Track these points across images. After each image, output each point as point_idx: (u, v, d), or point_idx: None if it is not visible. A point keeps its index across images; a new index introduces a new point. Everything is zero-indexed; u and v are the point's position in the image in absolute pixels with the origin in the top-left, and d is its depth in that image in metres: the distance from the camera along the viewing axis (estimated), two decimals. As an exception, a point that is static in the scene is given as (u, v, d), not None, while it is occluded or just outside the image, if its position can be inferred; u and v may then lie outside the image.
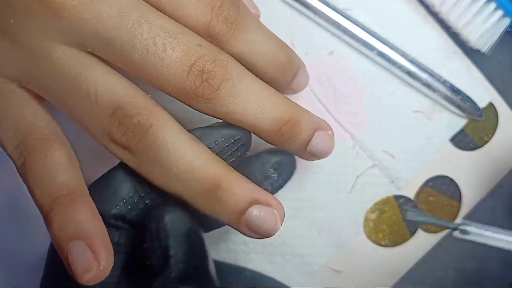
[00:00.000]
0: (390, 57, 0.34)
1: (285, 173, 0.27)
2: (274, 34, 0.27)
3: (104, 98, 0.22)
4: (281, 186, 0.27)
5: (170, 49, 0.22)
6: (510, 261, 0.36)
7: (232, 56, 0.25)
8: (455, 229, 0.23)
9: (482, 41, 0.34)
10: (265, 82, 0.25)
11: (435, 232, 0.35)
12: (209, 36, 0.24)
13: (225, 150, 0.24)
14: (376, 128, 0.35)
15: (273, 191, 0.27)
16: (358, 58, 0.35)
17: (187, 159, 0.22)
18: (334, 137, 0.26)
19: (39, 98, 0.24)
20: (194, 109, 0.24)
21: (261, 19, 0.34)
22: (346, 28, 0.33)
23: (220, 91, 0.23)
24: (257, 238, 0.23)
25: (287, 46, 0.28)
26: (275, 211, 0.23)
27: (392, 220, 0.35)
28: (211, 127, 0.24)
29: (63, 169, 0.23)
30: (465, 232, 0.23)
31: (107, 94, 0.22)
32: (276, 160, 0.26)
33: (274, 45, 0.26)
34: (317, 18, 0.34)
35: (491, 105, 0.35)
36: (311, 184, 0.35)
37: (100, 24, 0.21)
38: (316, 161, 0.31)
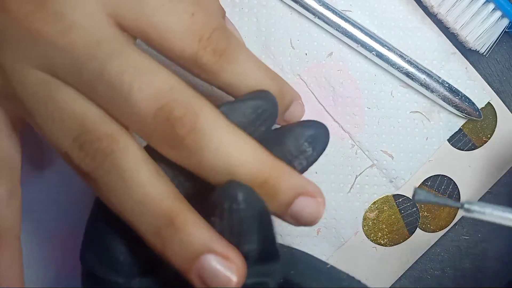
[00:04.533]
0: (388, 58, 0.34)
1: (319, 146, 0.25)
2: (266, 65, 0.26)
3: (68, 122, 0.21)
4: (315, 160, 0.25)
5: (136, 88, 0.21)
6: (507, 260, 0.36)
7: (221, 86, 0.24)
8: (461, 207, 0.23)
9: (481, 42, 0.34)
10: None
11: (434, 231, 0.36)
12: (197, 66, 0.23)
13: (254, 121, 0.24)
14: (375, 129, 0.35)
15: (308, 165, 0.25)
16: (357, 59, 0.35)
17: (142, 190, 0.21)
18: (323, 205, 0.23)
19: (15, 121, 0.25)
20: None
21: (261, 21, 0.34)
22: (345, 30, 0.34)
23: (187, 141, 0.21)
24: None
25: (279, 77, 0.27)
26: (232, 265, 0.20)
27: (391, 219, 0.36)
28: (238, 100, 0.24)
29: None
30: (469, 210, 0.23)
31: (71, 118, 0.21)
32: (310, 134, 0.25)
33: (264, 77, 0.25)
34: (316, 20, 0.34)
35: (489, 106, 0.35)
36: (310, 184, 0.35)
37: (73, 52, 0.21)
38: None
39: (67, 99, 0.22)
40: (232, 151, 0.21)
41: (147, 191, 0.21)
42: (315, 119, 0.25)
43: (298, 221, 0.23)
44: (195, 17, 0.23)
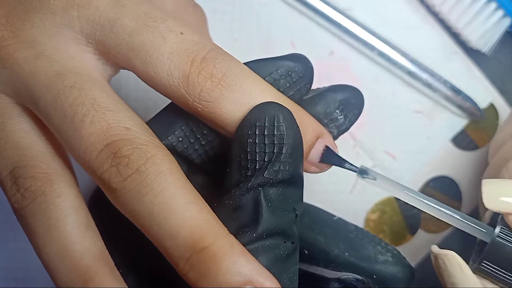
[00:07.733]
0: (390, 57, 0.34)
1: (352, 113, 0.23)
2: (278, 92, 0.21)
3: (9, 152, 0.21)
4: (347, 129, 0.23)
5: (88, 121, 0.19)
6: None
7: (220, 122, 0.21)
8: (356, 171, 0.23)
9: (483, 41, 0.34)
10: None
11: (436, 232, 0.35)
12: (189, 95, 0.20)
13: (281, 83, 0.22)
14: (377, 129, 0.35)
15: (339, 134, 0.23)
16: (359, 58, 0.35)
17: (63, 242, 0.20)
18: None
19: None
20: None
21: (261, 20, 0.34)
22: (347, 28, 0.33)
23: (128, 183, 0.19)
24: None
25: (298, 107, 0.22)
26: None
27: (393, 220, 0.35)
28: (266, 59, 0.22)
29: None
30: (363, 173, 0.23)
31: (14, 148, 0.21)
32: (342, 98, 0.22)
33: None
34: (317, 18, 0.34)
35: (491, 106, 0.35)
36: (311, 185, 0.34)
37: (33, 80, 0.20)
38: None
39: (17, 129, 0.21)
40: (175, 203, 0.19)
41: (67, 245, 0.20)
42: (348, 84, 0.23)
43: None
44: (184, 36, 0.20)
